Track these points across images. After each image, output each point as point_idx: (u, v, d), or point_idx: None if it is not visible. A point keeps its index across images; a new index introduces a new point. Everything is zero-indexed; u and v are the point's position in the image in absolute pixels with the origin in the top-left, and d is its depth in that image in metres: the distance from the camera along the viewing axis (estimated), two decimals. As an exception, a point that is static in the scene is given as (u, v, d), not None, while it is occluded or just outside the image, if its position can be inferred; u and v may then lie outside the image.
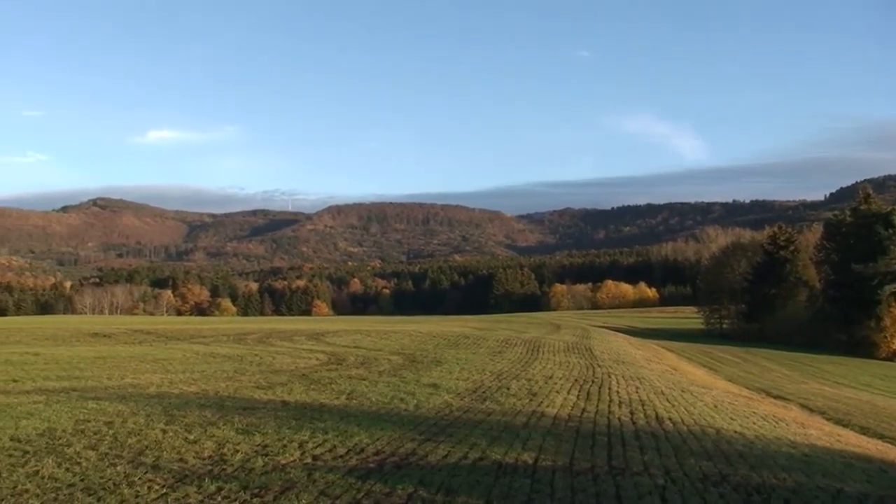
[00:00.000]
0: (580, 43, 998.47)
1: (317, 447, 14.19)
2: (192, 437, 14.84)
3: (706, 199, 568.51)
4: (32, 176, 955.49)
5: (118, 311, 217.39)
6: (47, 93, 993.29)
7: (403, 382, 25.05)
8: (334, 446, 14.28)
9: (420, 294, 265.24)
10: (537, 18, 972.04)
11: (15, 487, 11.08)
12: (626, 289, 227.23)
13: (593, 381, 28.32)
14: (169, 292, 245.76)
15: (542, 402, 21.84)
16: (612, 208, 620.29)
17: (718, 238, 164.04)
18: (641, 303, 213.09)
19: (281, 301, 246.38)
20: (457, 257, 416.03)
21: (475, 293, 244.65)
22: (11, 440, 14.40)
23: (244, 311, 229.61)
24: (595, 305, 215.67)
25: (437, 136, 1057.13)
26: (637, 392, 26.21)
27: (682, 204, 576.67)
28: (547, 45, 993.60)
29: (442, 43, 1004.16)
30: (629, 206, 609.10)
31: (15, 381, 24.32)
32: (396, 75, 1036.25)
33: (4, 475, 11.71)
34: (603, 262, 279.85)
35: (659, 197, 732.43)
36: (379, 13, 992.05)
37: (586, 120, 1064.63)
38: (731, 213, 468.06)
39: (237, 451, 13.65)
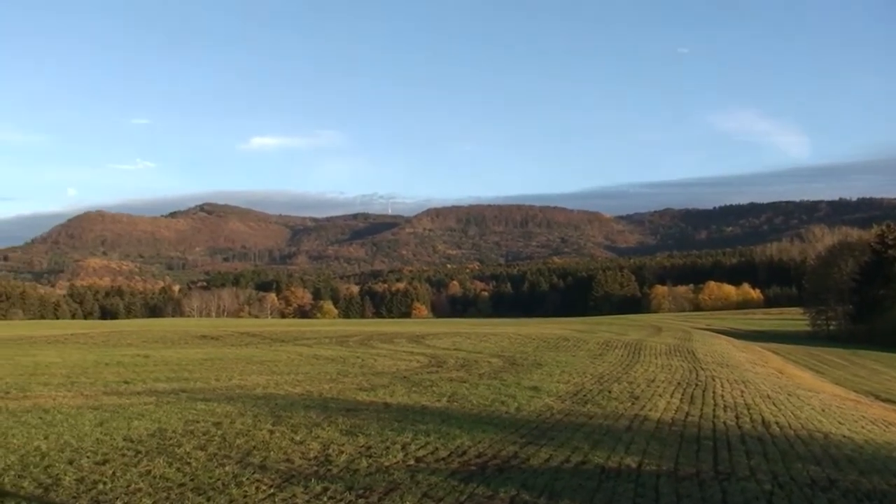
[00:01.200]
0: (680, 40, 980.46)
1: (419, 449, 14.29)
2: (298, 438, 15.12)
3: (811, 198, 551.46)
4: (141, 182, 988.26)
5: (224, 314, 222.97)
6: (154, 101, 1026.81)
7: (504, 385, 25.00)
8: (436, 448, 14.37)
9: (519, 296, 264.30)
10: (635, 16, 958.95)
11: (128, 486, 11.44)
12: (729, 290, 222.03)
13: (696, 385, 27.83)
14: (273, 295, 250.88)
15: (644, 405, 21.59)
16: (714, 208, 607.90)
17: (825, 237, 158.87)
18: (745, 304, 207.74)
19: (381, 303, 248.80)
20: (556, 259, 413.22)
21: (574, 295, 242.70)
22: (124, 440, 14.86)
23: (345, 314, 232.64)
24: (697, 307, 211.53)
25: (533, 137, 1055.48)
26: (742, 396, 25.67)
27: (786, 203, 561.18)
28: (645, 43, 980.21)
29: (537, 47, 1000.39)
30: (731, 205, 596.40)
31: (126, 382, 25.15)
32: (493, 80, 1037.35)
33: (118, 474, 12.09)
34: (705, 262, 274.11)
35: (762, 196, 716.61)
36: (475, 22, 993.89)
37: (685, 118, 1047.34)
38: (838, 212, 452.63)
39: (342, 452, 13.84)
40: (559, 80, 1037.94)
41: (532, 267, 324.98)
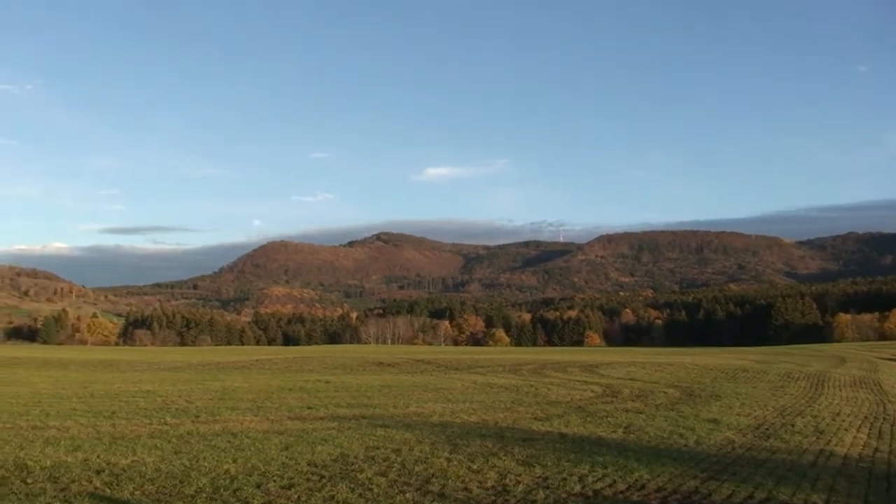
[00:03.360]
0: (858, 58, 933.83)
1: (596, 481, 14.14)
2: (475, 467, 15.24)
3: None
4: (321, 213, 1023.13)
5: (399, 341, 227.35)
6: (333, 136, 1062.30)
7: (682, 417, 24.44)
8: (614, 481, 14.17)
9: (694, 325, 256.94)
10: (809, 36, 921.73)
11: (314, 510, 11.83)
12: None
13: (885, 419, 26.31)
14: (446, 323, 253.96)
15: (829, 440, 20.62)
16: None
17: None
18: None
19: (553, 331, 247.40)
20: (732, 286, 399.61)
21: (753, 324, 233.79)
22: (309, 465, 15.39)
23: (517, 342, 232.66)
24: (882, 336, 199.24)
25: (706, 161, 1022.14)
26: (939, 432, 24.07)
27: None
28: (822, 62, 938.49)
29: (709, 73, 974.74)
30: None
31: (310, 407, 26.07)
32: (663, 105, 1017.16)
33: (303, 499, 12.53)
34: (891, 289, 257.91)
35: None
36: (643, 51, 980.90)
37: (864, 139, 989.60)
38: None
39: (519, 483, 13.86)
40: (731, 104, 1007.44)
41: (708, 294, 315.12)
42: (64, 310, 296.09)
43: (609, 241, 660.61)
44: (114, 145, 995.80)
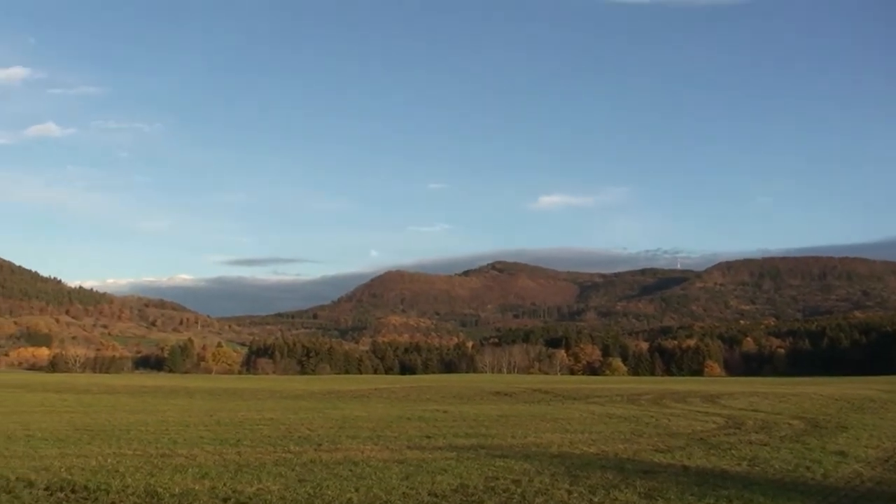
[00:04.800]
0: None
1: (722, 516, 13.82)
2: (596, 500, 15.09)
3: None
4: (437, 243, 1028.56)
5: (515, 370, 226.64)
6: (449, 167, 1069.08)
7: (807, 449, 23.70)
8: (740, 516, 13.83)
9: (817, 353, 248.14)
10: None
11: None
12: None
13: None
14: (562, 351, 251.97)
15: (966, 474, 19.64)
16: None
17: None
18: None
19: (671, 360, 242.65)
20: (857, 313, 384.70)
21: (880, 352, 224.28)
22: (429, 495, 15.49)
23: (635, 371, 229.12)
24: None
25: (829, 185, 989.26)
26: None
27: None
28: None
29: (830, 98, 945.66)
30: None
31: (428, 437, 26.25)
32: (777, 131, 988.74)
33: (426, 529, 12.63)
34: None
35: None
36: (763, 75, 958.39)
37: None
38: None
39: (641, 516, 13.66)
40: (856, 126, 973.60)
41: (831, 322, 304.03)
42: (190, 339, 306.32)
43: (728, 268, 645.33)
44: (236, 180, 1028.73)
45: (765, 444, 24.84)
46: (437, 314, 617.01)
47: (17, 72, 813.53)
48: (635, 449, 23.34)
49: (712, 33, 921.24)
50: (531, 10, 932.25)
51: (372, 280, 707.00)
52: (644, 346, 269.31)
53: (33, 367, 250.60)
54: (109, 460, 20.16)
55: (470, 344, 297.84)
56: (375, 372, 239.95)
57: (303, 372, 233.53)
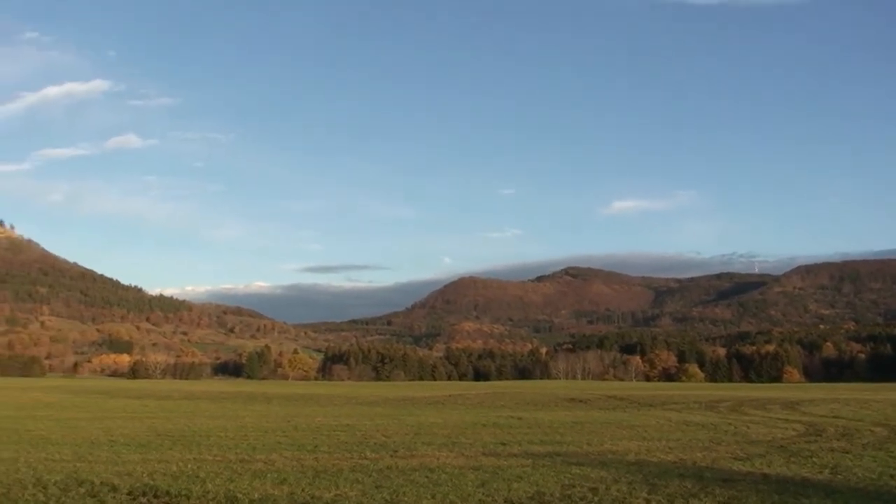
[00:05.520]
0: None
1: (804, 526, 13.54)
2: (674, 509, 14.90)
3: None
4: (509, 249, 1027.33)
5: (589, 376, 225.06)
6: (519, 172, 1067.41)
7: (891, 457, 23.05)
8: (823, 526, 13.54)
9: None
10: None
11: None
12: None
13: None
14: (637, 358, 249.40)
15: None
16: None
17: None
18: None
19: (749, 366, 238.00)
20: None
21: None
22: (505, 502, 15.46)
23: (712, 377, 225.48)
24: None
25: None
26: None
27: None
28: None
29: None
30: None
31: (503, 444, 26.22)
32: (856, 128, 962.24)
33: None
34: None
35: None
36: (838, 76, 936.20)
37: None
38: None
39: (721, 526, 13.46)
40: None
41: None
42: (267, 346, 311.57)
43: (807, 271, 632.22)
44: (311, 188, 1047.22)
45: (847, 452, 24.24)
46: (511, 320, 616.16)
47: (99, 84, 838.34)
48: (714, 457, 22.98)
49: (789, 29, 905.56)
50: (604, 17, 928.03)
51: (445, 286, 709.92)
52: (721, 351, 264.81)
53: (115, 374, 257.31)
54: (190, 465, 20.60)
55: (544, 350, 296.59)
56: (449, 378, 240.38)
57: (377, 378, 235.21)
